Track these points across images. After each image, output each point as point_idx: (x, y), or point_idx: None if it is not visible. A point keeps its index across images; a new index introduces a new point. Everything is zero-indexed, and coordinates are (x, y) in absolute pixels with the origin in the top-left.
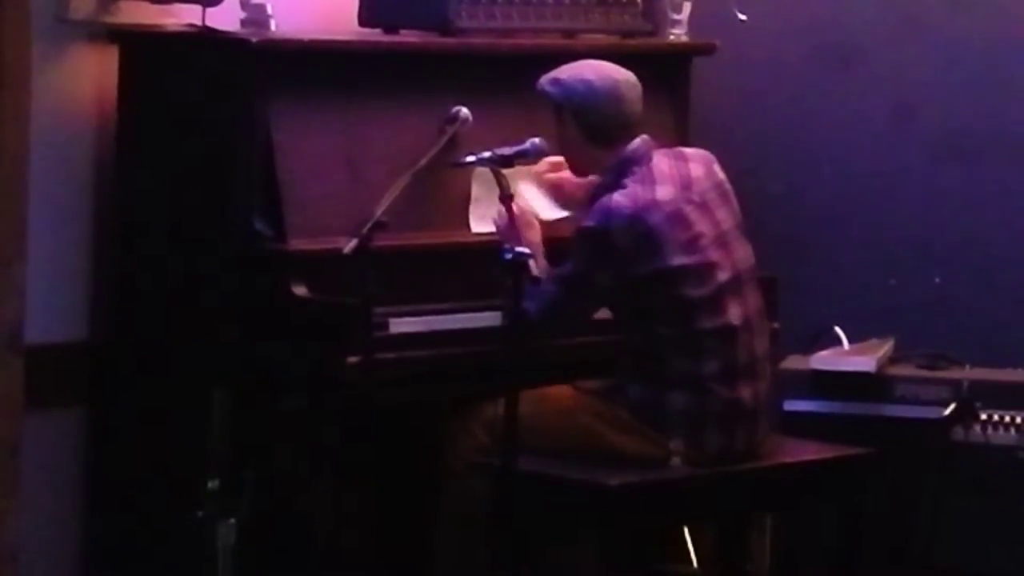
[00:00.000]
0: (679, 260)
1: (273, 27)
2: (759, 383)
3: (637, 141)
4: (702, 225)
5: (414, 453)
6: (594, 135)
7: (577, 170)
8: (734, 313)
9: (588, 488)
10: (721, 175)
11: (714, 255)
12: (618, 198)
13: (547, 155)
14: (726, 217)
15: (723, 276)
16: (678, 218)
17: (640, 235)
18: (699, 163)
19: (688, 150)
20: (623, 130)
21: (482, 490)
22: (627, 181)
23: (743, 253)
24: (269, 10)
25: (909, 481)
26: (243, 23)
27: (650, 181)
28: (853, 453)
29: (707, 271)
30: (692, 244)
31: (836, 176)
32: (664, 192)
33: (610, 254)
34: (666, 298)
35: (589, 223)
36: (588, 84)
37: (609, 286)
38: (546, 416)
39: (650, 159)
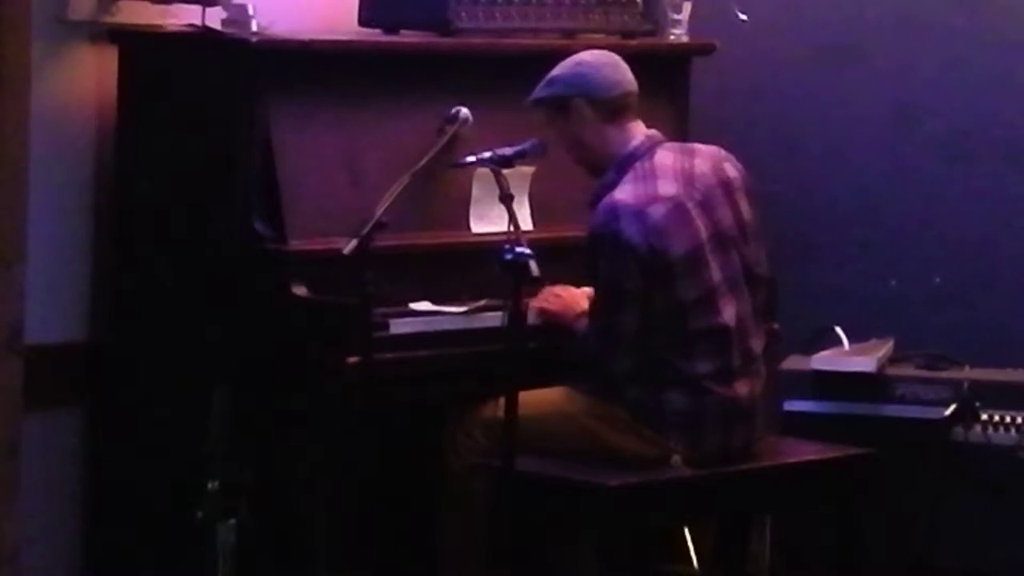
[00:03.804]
0: (678, 255)
1: (255, 27)
2: (755, 380)
3: (642, 136)
4: (701, 222)
5: (414, 454)
6: (606, 109)
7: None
8: (728, 314)
9: (588, 488)
10: (731, 173)
11: (708, 255)
12: (619, 195)
13: (546, 154)
14: (726, 216)
15: (716, 276)
16: (680, 212)
17: (649, 229)
18: (706, 159)
19: (699, 145)
20: (628, 98)
21: (482, 491)
22: (627, 178)
23: (742, 254)
24: (251, 10)
25: (909, 481)
26: (224, 23)
27: (651, 176)
28: (853, 453)
29: (701, 269)
30: (690, 240)
31: (836, 176)
32: (666, 186)
33: (626, 252)
34: (661, 297)
35: (597, 225)
36: (583, 63)
37: (638, 288)
38: (545, 417)
39: (652, 155)
